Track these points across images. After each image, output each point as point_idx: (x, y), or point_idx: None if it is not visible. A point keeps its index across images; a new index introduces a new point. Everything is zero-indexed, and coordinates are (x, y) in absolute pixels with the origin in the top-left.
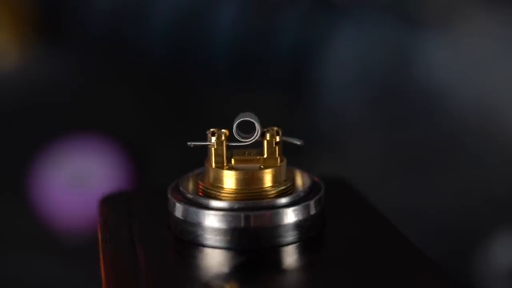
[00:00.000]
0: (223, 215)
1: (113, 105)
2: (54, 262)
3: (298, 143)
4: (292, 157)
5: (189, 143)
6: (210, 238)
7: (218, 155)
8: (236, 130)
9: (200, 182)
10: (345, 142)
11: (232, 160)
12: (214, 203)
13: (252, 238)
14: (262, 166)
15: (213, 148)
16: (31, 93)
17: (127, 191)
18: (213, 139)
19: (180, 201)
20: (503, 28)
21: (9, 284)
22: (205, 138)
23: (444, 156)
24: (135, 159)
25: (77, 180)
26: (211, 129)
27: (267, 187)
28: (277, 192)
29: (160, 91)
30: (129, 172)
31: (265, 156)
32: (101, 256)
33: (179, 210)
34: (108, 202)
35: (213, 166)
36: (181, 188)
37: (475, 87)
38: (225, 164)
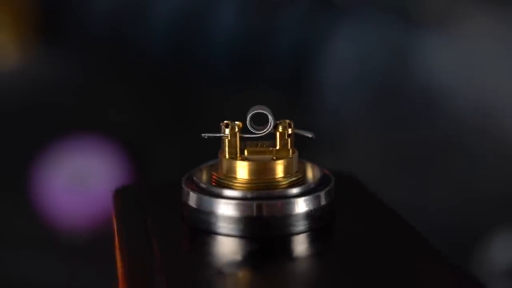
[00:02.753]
0: (236, 204)
1: (113, 105)
2: (54, 262)
3: (310, 135)
4: None
5: (203, 134)
6: (224, 227)
7: (232, 146)
8: (250, 122)
9: (213, 173)
10: (344, 141)
11: (245, 151)
12: (228, 192)
13: (264, 226)
14: (274, 157)
15: (227, 140)
16: (31, 93)
17: (139, 184)
18: (227, 130)
19: (194, 190)
20: (502, 28)
21: (9, 284)
22: (219, 130)
23: (443, 155)
24: (135, 159)
25: (78, 179)
26: (225, 121)
27: (279, 177)
28: (288, 183)
29: (160, 90)
30: (129, 172)
31: (278, 147)
32: (116, 247)
33: (193, 199)
34: (121, 195)
35: (227, 157)
36: (195, 178)
37: (474, 86)
38: (238, 155)
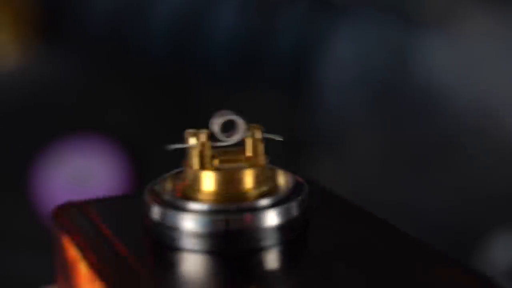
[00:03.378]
0: (202, 218)
1: (113, 105)
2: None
3: (279, 139)
4: (291, 156)
5: (169, 146)
6: (189, 242)
7: (200, 156)
8: (219, 130)
9: (178, 183)
10: (344, 141)
11: (214, 161)
12: (193, 206)
13: (232, 241)
14: (246, 166)
15: (195, 150)
16: (31, 93)
17: (76, 201)
18: (193, 140)
19: (157, 203)
20: (502, 28)
21: (9, 284)
22: (183, 140)
23: (443, 155)
24: (134, 159)
25: (78, 179)
26: (190, 130)
27: (248, 188)
28: (258, 193)
29: (160, 90)
30: (129, 172)
31: (248, 155)
32: (82, 272)
33: (156, 212)
34: (64, 214)
35: (194, 167)
36: (158, 189)
37: (474, 86)
38: (208, 165)
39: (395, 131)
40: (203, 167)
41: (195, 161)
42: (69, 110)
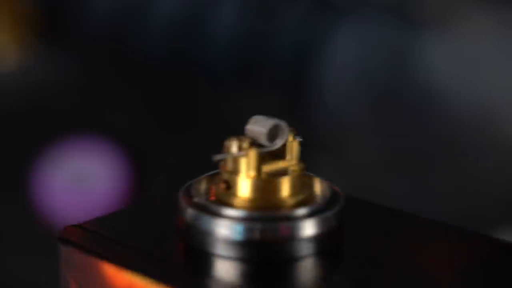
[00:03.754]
0: (236, 224)
1: (113, 105)
2: (54, 262)
3: (300, 140)
4: None
5: (214, 157)
6: (221, 248)
7: (250, 164)
8: (266, 136)
9: (213, 186)
10: (344, 142)
11: (264, 168)
12: (228, 212)
13: (267, 250)
14: (289, 172)
15: (244, 158)
16: (31, 94)
17: (80, 223)
18: (244, 147)
19: (191, 206)
20: (502, 28)
21: (8, 284)
22: (222, 147)
23: (443, 157)
24: (134, 159)
25: (78, 180)
26: (235, 137)
27: (285, 196)
28: (295, 202)
29: (160, 91)
30: (129, 172)
31: (290, 160)
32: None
33: (190, 215)
34: (77, 235)
35: (249, 176)
36: (192, 192)
37: (474, 87)
38: (256, 174)
39: (395, 131)
40: (253, 175)
41: (245, 169)
42: (69, 110)
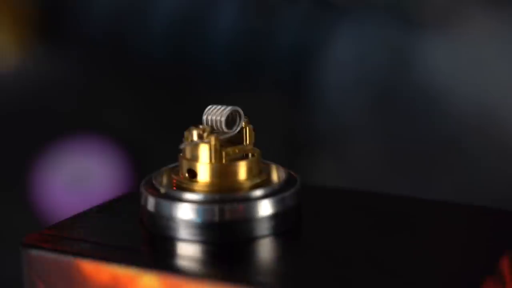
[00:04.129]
0: (197, 208)
1: (113, 105)
2: None
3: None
4: (291, 157)
5: (181, 145)
6: (184, 232)
7: (214, 151)
8: (223, 122)
9: (174, 176)
10: (344, 142)
11: (224, 153)
12: (188, 196)
13: (226, 231)
14: (247, 156)
15: (208, 145)
16: (31, 94)
17: (41, 231)
18: (204, 135)
19: (153, 195)
20: (503, 28)
21: (8, 284)
22: (183, 136)
23: (444, 157)
24: (134, 159)
25: (77, 180)
26: (194, 126)
27: (242, 179)
28: (252, 185)
29: (160, 91)
30: (129, 172)
31: (246, 145)
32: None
33: (151, 203)
34: (43, 242)
35: (210, 162)
36: (154, 182)
37: (475, 87)
38: (221, 159)
39: (396, 132)
40: (216, 161)
41: (207, 156)
42: (69, 110)
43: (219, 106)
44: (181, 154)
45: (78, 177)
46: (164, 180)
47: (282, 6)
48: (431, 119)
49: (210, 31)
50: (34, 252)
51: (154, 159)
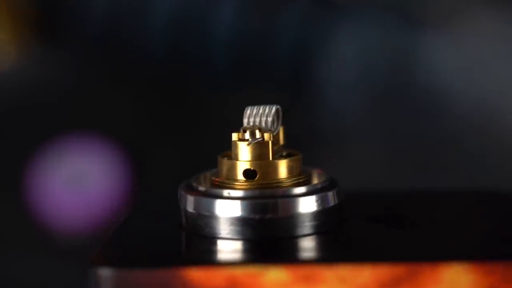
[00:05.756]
0: (238, 204)
1: (111, 105)
2: (52, 263)
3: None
4: None
5: (249, 141)
6: (224, 229)
7: (266, 149)
8: (269, 122)
9: (214, 178)
10: (346, 142)
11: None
12: (226, 193)
13: (268, 227)
14: (289, 154)
15: (261, 144)
16: (28, 93)
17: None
18: (258, 133)
19: (192, 194)
20: (506, 27)
21: (7, 284)
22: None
23: (446, 156)
24: (133, 159)
25: (75, 180)
26: (246, 127)
27: (283, 178)
28: (294, 183)
29: (159, 91)
30: (128, 172)
31: (282, 144)
32: None
33: (190, 203)
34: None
35: (270, 160)
36: (194, 184)
37: (478, 87)
38: (276, 157)
39: (397, 131)
40: (272, 158)
41: (268, 154)
42: (67, 110)
43: (261, 106)
44: (219, 157)
45: (76, 177)
46: (203, 180)
47: (282, 5)
48: (433, 119)
49: (210, 31)
50: (121, 273)
51: (154, 159)
